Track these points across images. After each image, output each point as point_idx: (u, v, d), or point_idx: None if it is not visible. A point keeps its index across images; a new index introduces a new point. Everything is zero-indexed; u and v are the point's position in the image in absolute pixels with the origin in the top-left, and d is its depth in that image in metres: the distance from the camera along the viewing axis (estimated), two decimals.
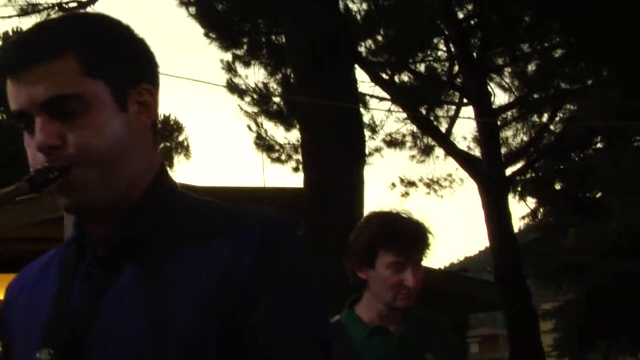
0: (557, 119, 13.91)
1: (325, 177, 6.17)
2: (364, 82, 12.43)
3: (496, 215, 12.41)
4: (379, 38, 12.94)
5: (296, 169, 12.87)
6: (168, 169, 1.00)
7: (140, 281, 0.89)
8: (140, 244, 0.93)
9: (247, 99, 13.06)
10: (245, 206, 0.96)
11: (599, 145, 13.52)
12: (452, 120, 13.60)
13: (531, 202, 14.78)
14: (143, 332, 0.86)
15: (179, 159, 18.58)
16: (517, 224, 14.66)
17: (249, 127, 13.21)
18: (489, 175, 12.69)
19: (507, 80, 13.78)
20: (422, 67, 13.92)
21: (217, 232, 0.92)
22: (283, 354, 0.89)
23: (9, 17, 9.18)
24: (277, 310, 0.90)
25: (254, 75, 13.27)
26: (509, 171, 13.54)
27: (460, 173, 14.61)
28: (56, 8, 8.73)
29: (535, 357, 11.92)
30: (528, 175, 14.64)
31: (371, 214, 2.21)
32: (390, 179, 15.09)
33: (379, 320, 2.14)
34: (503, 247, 12.36)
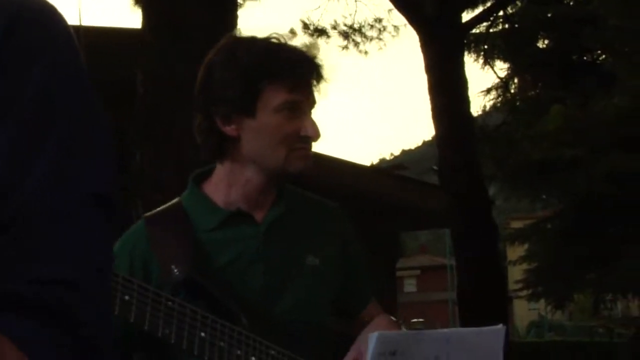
0: None
1: (174, 16, 5.85)
2: None
3: (446, 86, 12.38)
4: None
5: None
6: None
7: None
8: None
9: None
10: None
11: None
12: None
13: (501, 68, 14.89)
14: None
15: None
16: (477, 101, 14.86)
17: None
18: (438, 22, 12.66)
19: None
20: None
21: None
22: (37, 221, 0.94)
23: None
24: (25, 141, 0.96)
25: None
26: (467, 18, 13.51)
27: (395, 18, 14.69)
28: None
29: (495, 299, 12.07)
30: (498, 27, 14.87)
31: (230, 41, 2.19)
32: (289, 24, 14.86)
33: (241, 202, 2.16)
34: (453, 133, 12.34)
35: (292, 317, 2.13)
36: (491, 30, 14.97)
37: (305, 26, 14.92)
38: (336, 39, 15.10)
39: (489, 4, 13.89)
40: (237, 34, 2.21)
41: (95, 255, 0.98)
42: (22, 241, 0.94)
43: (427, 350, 1.82)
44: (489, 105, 15.69)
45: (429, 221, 17.43)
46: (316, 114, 2.18)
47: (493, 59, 15.20)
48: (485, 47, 14.94)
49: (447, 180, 12.65)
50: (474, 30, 14.42)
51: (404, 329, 2.14)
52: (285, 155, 2.11)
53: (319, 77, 2.15)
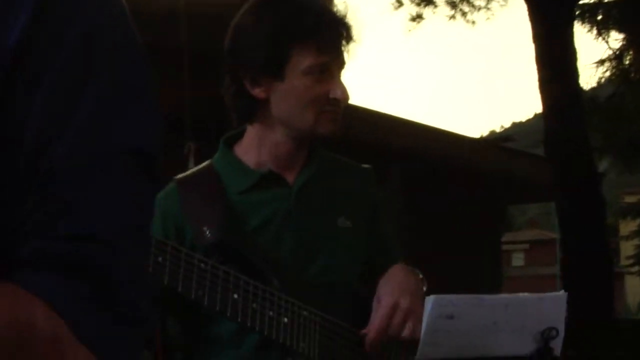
0: None
1: None
2: None
3: (553, 57, 12.06)
4: None
5: None
6: None
7: None
8: None
9: None
10: None
11: None
12: None
13: (616, 39, 14.44)
14: None
15: None
16: (589, 73, 14.48)
17: None
18: None
19: None
20: None
21: None
22: (71, 175, 0.92)
23: None
24: (63, 101, 0.94)
25: None
26: None
27: None
28: None
29: (600, 275, 11.79)
30: None
31: (257, 1, 2.16)
32: None
33: (272, 164, 2.15)
34: (561, 105, 12.03)
35: (324, 279, 2.14)
36: (605, 0, 14.56)
37: None
38: (443, 9, 14.93)
39: None
40: None
41: (131, 211, 0.96)
42: (57, 195, 0.92)
43: (485, 315, 1.80)
44: (601, 76, 15.28)
45: (536, 194, 17.18)
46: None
47: (608, 30, 14.76)
48: (600, 17, 14.53)
49: (553, 153, 12.34)
50: (585, 0, 14.06)
51: (420, 276, 2.13)
52: (314, 118, 2.10)
53: (348, 38, 2.13)
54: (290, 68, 2.08)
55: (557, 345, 1.83)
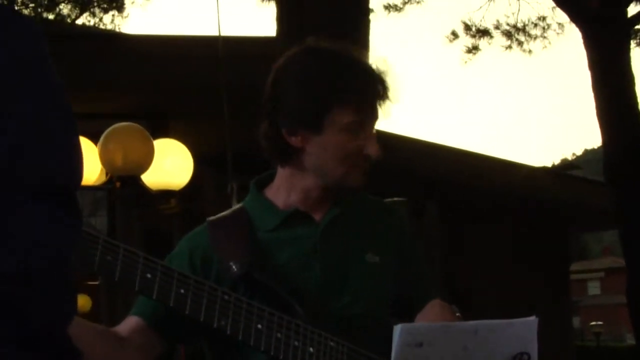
0: None
1: (307, 24, 5.91)
2: None
3: (609, 83, 11.99)
4: None
5: None
6: None
7: None
8: None
9: None
10: None
11: None
12: None
13: None
14: None
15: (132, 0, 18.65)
16: None
17: None
18: (601, 18, 12.21)
19: None
20: None
21: None
22: None
23: None
24: None
25: None
26: (633, 12, 12.96)
27: (559, 15, 14.30)
28: None
29: None
30: None
31: (302, 51, 2.21)
32: (450, 26, 14.69)
33: (300, 205, 2.21)
34: (619, 131, 11.83)
35: (350, 311, 2.15)
36: None
37: (467, 27, 14.60)
38: (499, 39, 14.79)
39: None
40: (311, 43, 2.23)
41: (46, 246, 0.96)
42: None
43: (454, 341, 1.81)
44: None
45: (604, 222, 16.91)
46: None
47: None
48: None
49: (614, 181, 12.16)
50: None
51: (457, 313, 2.12)
52: (345, 171, 2.16)
53: (385, 96, 2.18)
54: (329, 122, 2.13)
55: None
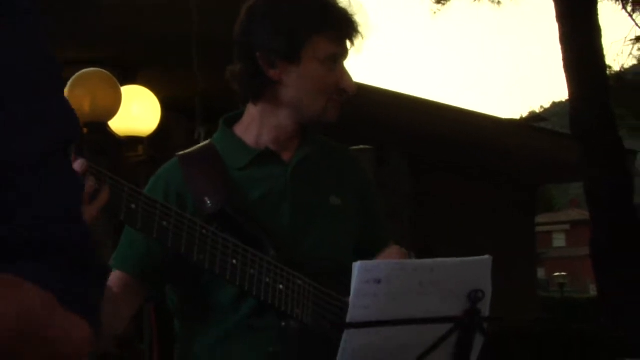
0: None
1: None
2: None
3: (576, 36, 11.98)
4: None
5: None
6: None
7: None
8: None
9: None
10: None
11: None
12: None
13: None
14: None
15: None
16: (618, 51, 14.23)
17: None
18: None
19: None
20: None
21: None
22: (14, 171, 1.00)
23: None
24: None
25: None
26: None
27: None
28: None
29: (631, 254, 11.69)
30: None
31: None
32: None
33: (271, 144, 2.25)
34: (586, 85, 11.90)
35: (317, 252, 2.23)
36: None
37: None
38: None
39: None
40: None
41: (71, 192, 1.08)
42: (11, 191, 1.01)
43: (411, 278, 1.86)
44: (635, 55, 15.09)
45: (570, 175, 17.02)
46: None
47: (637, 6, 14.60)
48: None
49: (579, 133, 12.22)
50: None
51: (412, 257, 2.20)
52: (323, 105, 2.21)
53: (357, 33, 2.23)
54: (307, 55, 2.18)
55: (484, 306, 1.90)
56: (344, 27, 2.21)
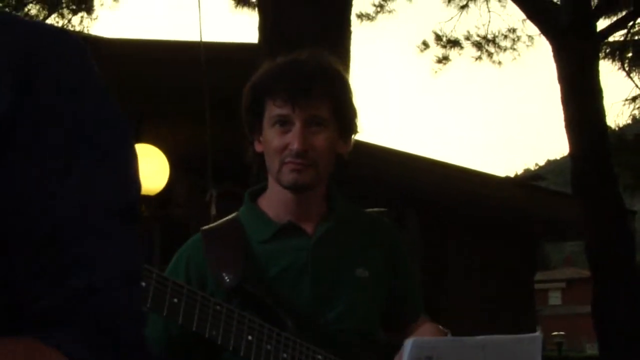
0: None
1: (287, 31, 5.90)
2: None
3: (578, 96, 12.09)
4: None
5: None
6: None
7: None
8: None
9: None
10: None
11: None
12: None
13: None
14: None
15: (102, 2, 18.51)
16: (618, 111, 14.31)
17: None
18: (571, 32, 12.35)
19: None
20: None
21: None
22: (68, 236, 0.99)
23: None
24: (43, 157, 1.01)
25: None
26: (602, 26, 13.12)
27: (529, 28, 14.55)
28: None
29: (632, 312, 11.65)
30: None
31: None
32: (421, 36, 14.80)
33: (289, 215, 2.24)
34: (587, 144, 11.97)
35: (340, 325, 2.18)
36: (636, 38, 14.50)
37: (438, 37, 14.77)
38: (469, 50, 14.96)
39: (624, 13, 13.42)
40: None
41: (126, 259, 1.05)
42: (59, 255, 1.00)
43: (463, 355, 1.85)
44: (632, 114, 15.20)
45: (566, 233, 17.07)
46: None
47: (638, 67, 14.72)
48: (630, 54, 14.49)
49: (580, 191, 12.26)
50: (611, 39, 14.02)
51: (449, 336, 2.16)
52: (277, 168, 2.19)
53: (321, 88, 2.18)
54: (265, 122, 2.21)
55: None
56: (289, 88, 2.17)
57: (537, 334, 1.90)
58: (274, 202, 2.27)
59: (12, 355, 0.91)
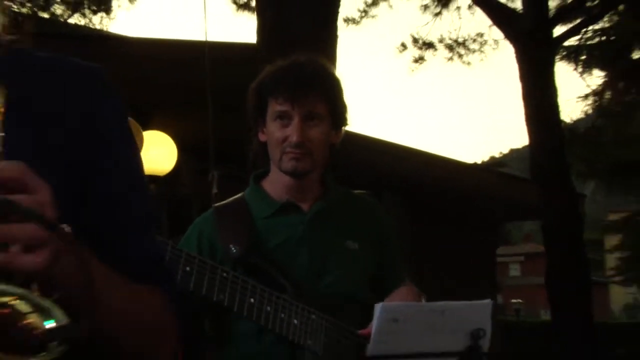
0: None
1: (284, 29, 5.88)
2: None
3: (536, 94, 12.14)
4: None
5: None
6: None
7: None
8: None
9: None
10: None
11: None
12: None
13: (598, 76, 14.43)
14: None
15: (119, 3, 18.32)
16: (573, 107, 14.23)
17: None
18: (531, 37, 12.40)
19: None
20: None
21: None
22: (126, 229, 1.24)
23: None
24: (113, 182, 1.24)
25: None
26: (558, 32, 13.11)
27: (495, 33, 14.55)
28: None
29: (579, 285, 11.74)
30: (594, 40, 14.24)
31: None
32: (400, 38, 14.79)
33: (288, 195, 2.32)
34: (543, 137, 12.04)
35: (332, 290, 2.25)
36: (588, 43, 14.51)
37: (415, 40, 14.80)
38: (442, 52, 15.00)
39: (578, 20, 13.44)
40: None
41: (161, 247, 1.39)
42: (134, 243, 1.24)
43: (425, 318, 1.91)
44: (584, 110, 15.24)
45: (526, 213, 17.14)
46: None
47: (591, 68, 14.74)
48: (584, 57, 14.52)
49: (539, 178, 12.34)
50: (567, 43, 14.04)
51: (423, 300, 2.23)
52: (279, 157, 2.29)
53: (315, 88, 2.27)
54: (268, 117, 2.30)
55: (484, 343, 1.95)
56: (289, 88, 2.26)
57: (488, 301, 1.96)
58: (276, 184, 2.35)
59: (150, 293, 1.18)
